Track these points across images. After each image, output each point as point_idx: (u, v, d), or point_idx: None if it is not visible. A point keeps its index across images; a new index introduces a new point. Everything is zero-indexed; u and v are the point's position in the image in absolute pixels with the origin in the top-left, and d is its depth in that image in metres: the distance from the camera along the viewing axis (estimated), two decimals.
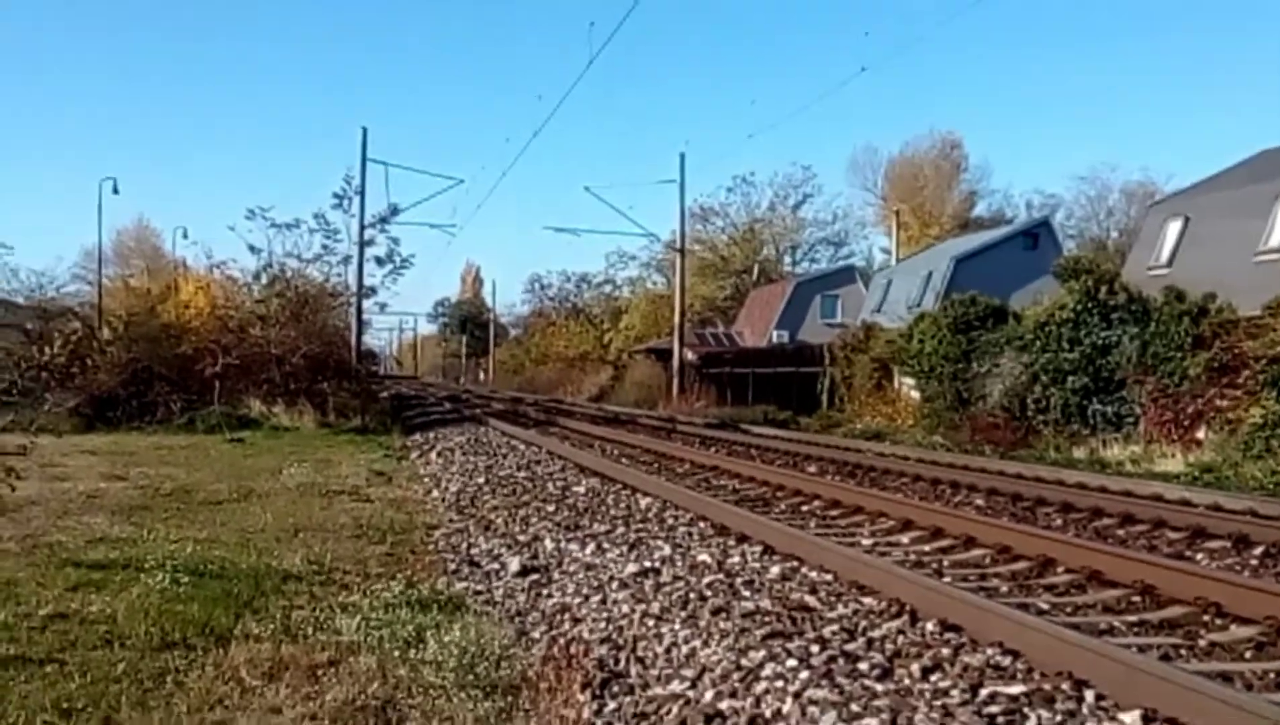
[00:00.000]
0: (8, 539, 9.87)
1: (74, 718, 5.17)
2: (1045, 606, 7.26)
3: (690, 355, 49.42)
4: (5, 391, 9.36)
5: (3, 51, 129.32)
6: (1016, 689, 4.97)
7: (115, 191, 45.09)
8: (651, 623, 6.80)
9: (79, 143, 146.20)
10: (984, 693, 4.95)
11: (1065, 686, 4.97)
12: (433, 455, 19.80)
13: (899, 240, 61.05)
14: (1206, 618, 6.87)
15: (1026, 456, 21.02)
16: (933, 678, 5.24)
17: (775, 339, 60.16)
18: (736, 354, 51.72)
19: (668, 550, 9.15)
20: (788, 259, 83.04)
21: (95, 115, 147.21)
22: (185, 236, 69.90)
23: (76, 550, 9.38)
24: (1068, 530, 11.07)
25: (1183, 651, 6.12)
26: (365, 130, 38.48)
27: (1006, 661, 5.45)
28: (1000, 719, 4.58)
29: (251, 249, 32.39)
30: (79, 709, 5.27)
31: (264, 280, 32.61)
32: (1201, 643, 6.34)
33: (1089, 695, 4.85)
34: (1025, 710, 4.68)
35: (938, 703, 4.83)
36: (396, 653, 6.37)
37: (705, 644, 6.16)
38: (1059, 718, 4.61)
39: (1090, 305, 23.97)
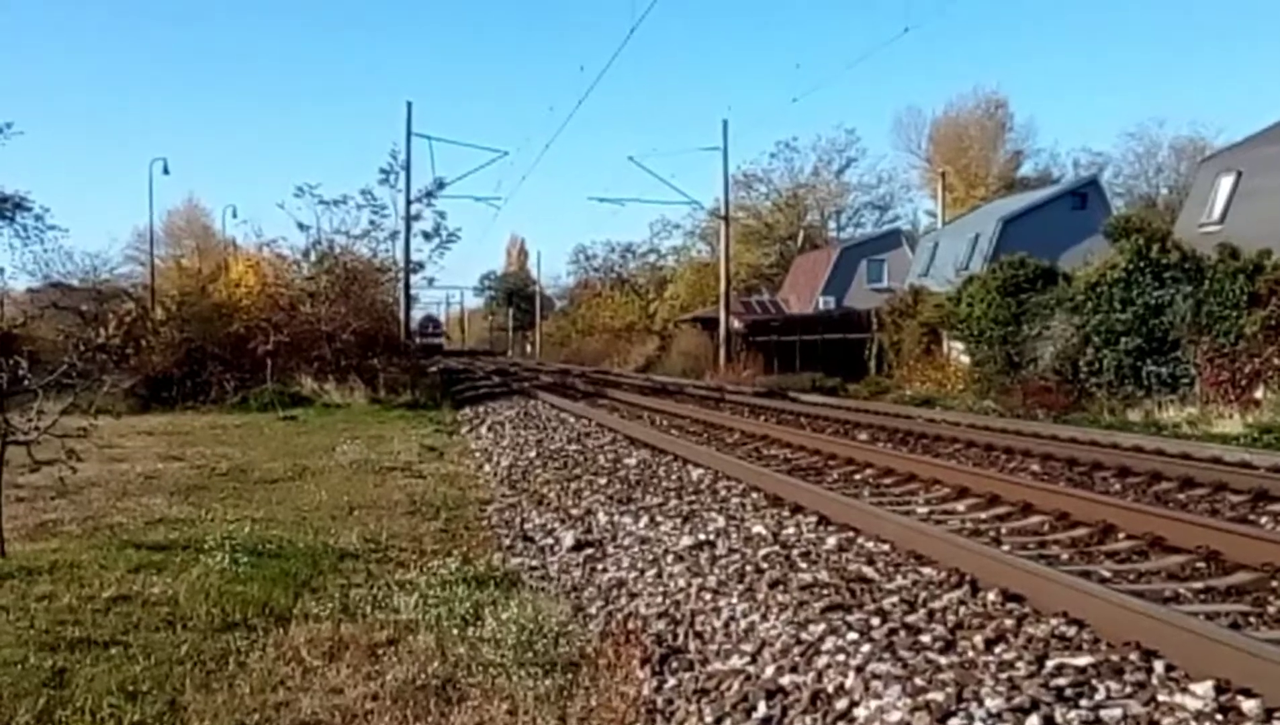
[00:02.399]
0: (69, 521, 10.01)
1: (139, 700, 5.21)
2: (1108, 574, 7.15)
3: (736, 323, 49.27)
4: (64, 374, 9.41)
5: (54, 35, 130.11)
6: (1083, 660, 4.89)
7: (165, 172, 45.49)
8: (709, 597, 6.78)
9: (129, 124, 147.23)
10: (1050, 664, 4.88)
11: (1133, 657, 4.89)
12: (483, 429, 19.87)
13: (945, 202, 60.44)
14: (1275, 583, 6.74)
15: (1080, 420, 20.78)
16: (997, 649, 5.18)
17: (821, 305, 59.78)
18: (783, 321, 51.48)
19: (722, 522, 9.12)
20: (832, 224, 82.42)
21: (144, 96, 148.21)
22: (235, 215, 70.76)
23: (137, 532, 9.49)
24: (1126, 495, 10.93)
25: (1252, 619, 6.00)
26: (410, 105, 38.66)
27: (1072, 632, 5.37)
28: (1068, 691, 4.50)
29: (300, 226, 32.61)
30: (144, 691, 5.33)
31: (313, 257, 32.80)
32: (1271, 609, 6.20)
33: (1158, 666, 4.76)
34: (1094, 682, 4.61)
35: (1003, 675, 4.76)
36: (455, 630, 6.40)
37: (764, 618, 6.12)
38: (1128, 689, 4.52)
39: (1142, 265, 23.69)
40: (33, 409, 8.96)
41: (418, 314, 75.37)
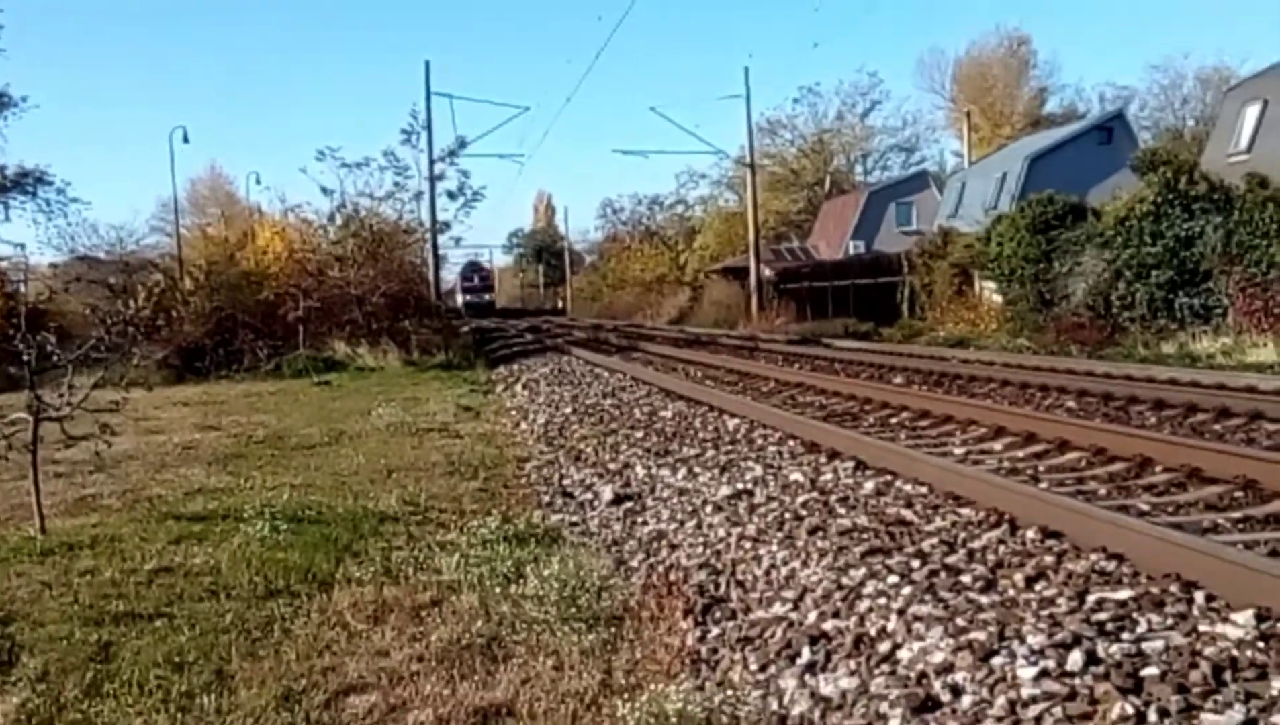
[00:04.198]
0: (109, 495, 10.13)
1: (186, 670, 5.29)
2: (1146, 507, 7.11)
3: (767, 272, 49.05)
4: (94, 348, 9.48)
5: (69, 5, 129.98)
6: (1124, 594, 4.88)
7: (186, 140, 45.34)
8: (749, 545, 6.80)
9: (145, 94, 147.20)
10: (1091, 599, 4.87)
11: (1174, 589, 4.88)
12: (518, 387, 19.91)
13: (971, 142, 59.76)
14: None
15: (1114, 355, 20.68)
16: (1037, 587, 5.17)
17: (851, 250, 59.33)
18: (813, 268, 51.22)
19: (759, 471, 9.12)
20: (859, 168, 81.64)
21: (161, 65, 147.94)
22: (258, 182, 70.66)
23: (176, 503, 9.60)
24: (1163, 428, 10.87)
25: None
26: (428, 64, 38.62)
27: (1111, 566, 5.36)
28: (1110, 625, 4.50)
29: (324, 190, 32.77)
30: (190, 662, 5.40)
31: (338, 221, 32.93)
32: None
33: (1199, 597, 4.75)
34: (1135, 615, 4.60)
35: (1044, 612, 4.76)
36: (497, 589, 6.46)
37: (804, 564, 6.14)
38: (1170, 621, 4.51)
39: (1171, 197, 23.51)
40: (64, 384, 9.03)
41: (449, 276, 71.67)
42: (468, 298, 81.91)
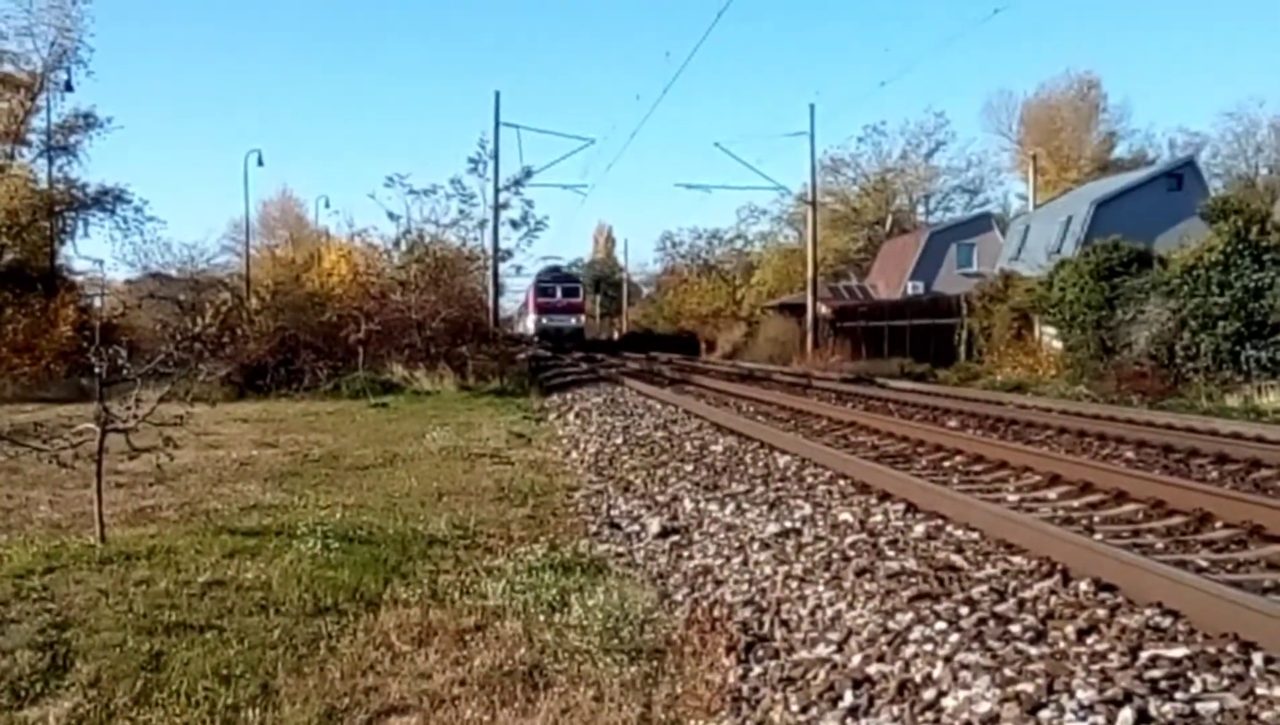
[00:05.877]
0: (167, 507, 10.24)
1: (233, 683, 5.32)
2: (1204, 564, 6.97)
3: (824, 309, 48.99)
4: (162, 363, 9.62)
5: (150, 30, 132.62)
6: (1178, 652, 4.79)
7: (260, 164, 45.97)
8: (795, 584, 6.76)
9: (224, 116, 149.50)
10: (1144, 656, 4.78)
11: (1231, 649, 4.78)
12: (570, 416, 19.95)
13: (1036, 185, 59.32)
14: None
15: (1176, 406, 20.38)
16: (1089, 640, 5.09)
17: (910, 290, 59.09)
18: (871, 307, 51.09)
19: (808, 509, 9.07)
20: (921, 208, 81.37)
21: (238, 88, 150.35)
22: (327, 206, 71.52)
23: (231, 517, 9.67)
24: (1224, 483, 10.68)
25: None
26: (498, 94, 39.01)
27: (1166, 623, 5.26)
28: (1163, 683, 4.41)
29: (390, 216, 33.17)
30: (237, 675, 5.43)
31: (403, 246, 33.36)
32: None
33: (1257, 658, 4.64)
34: (1189, 674, 4.51)
35: (1096, 666, 4.68)
36: (541, 617, 6.44)
37: (850, 606, 6.09)
38: (1226, 682, 4.42)
39: (1241, 247, 23.19)
40: (131, 397, 9.16)
41: (509, 304, 63.27)
42: (544, 321, 61.35)
